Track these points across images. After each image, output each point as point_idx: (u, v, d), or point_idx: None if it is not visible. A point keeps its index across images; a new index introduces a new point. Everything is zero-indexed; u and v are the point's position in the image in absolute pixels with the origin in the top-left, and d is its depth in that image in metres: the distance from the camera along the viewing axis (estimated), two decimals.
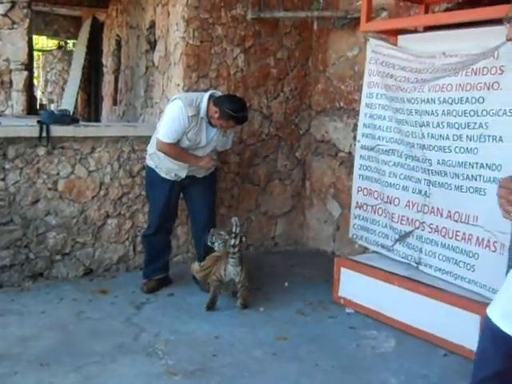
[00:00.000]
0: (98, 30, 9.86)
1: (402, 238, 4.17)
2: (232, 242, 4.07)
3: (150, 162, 4.41)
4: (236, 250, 4.09)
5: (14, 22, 5.81)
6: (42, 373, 3.12)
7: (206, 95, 4.18)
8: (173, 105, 4.17)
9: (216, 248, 4.20)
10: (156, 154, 4.31)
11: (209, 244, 4.22)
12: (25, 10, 5.84)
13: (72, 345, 3.49)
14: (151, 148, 4.39)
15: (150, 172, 4.42)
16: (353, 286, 4.27)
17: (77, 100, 10.27)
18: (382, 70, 4.31)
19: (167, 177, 4.35)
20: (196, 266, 4.39)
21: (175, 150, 4.18)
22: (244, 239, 4.22)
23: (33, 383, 3.01)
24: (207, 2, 5.11)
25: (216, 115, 4.10)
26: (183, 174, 4.32)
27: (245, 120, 4.30)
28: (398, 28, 4.33)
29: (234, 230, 4.08)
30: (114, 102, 8.54)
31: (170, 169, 4.31)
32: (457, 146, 3.75)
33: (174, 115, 4.10)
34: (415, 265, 4.07)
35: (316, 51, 5.80)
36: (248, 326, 3.87)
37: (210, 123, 4.20)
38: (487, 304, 3.51)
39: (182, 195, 4.55)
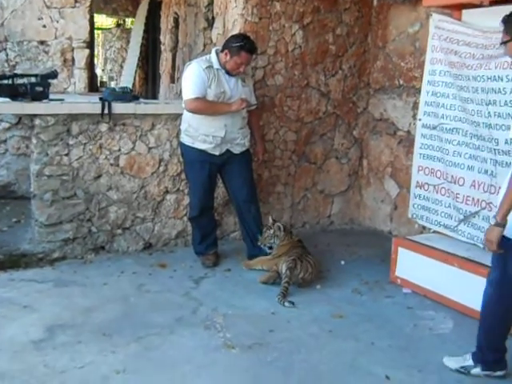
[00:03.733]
0: (155, 7, 9.95)
1: (467, 218, 4.09)
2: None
3: (186, 140, 4.44)
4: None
5: (76, 1, 5.91)
6: (105, 342, 3.23)
7: (213, 50, 4.41)
8: (187, 68, 4.37)
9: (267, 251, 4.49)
10: (190, 126, 4.37)
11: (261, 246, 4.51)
12: None
13: (133, 316, 3.59)
14: (184, 123, 4.45)
15: (188, 151, 4.45)
16: (410, 266, 4.22)
17: (135, 78, 10.43)
18: (446, 46, 4.20)
19: (206, 147, 4.34)
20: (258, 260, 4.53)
21: (204, 103, 4.25)
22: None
23: (95, 352, 3.12)
24: None
25: (227, 57, 4.25)
26: (222, 133, 4.31)
27: (255, 47, 4.36)
28: (462, 2, 4.17)
29: (277, 234, 4.43)
30: (172, 80, 8.63)
31: (207, 133, 4.32)
32: None
33: (191, 73, 4.28)
34: (482, 246, 3.99)
35: (375, 27, 5.69)
36: (304, 303, 3.89)
37: (228, 74, 4.32)
38: None
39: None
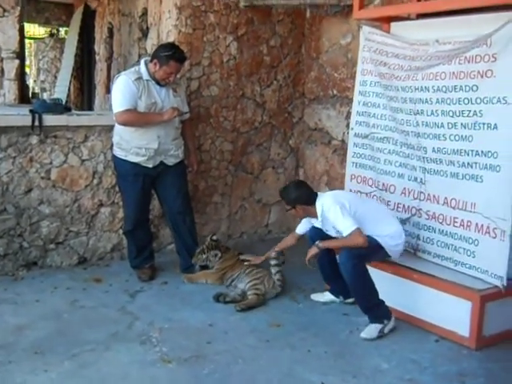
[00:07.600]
0: (90, 17, 9.78)
1: None
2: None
3: (118, 153, 4.37)
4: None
5: (4, 10, 5.77)
6: (37, 361, 3.14)
7: (142, 61, 4.36)
8: (116, 81, 4.30)
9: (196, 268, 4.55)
10: (122, 139, 4.31)
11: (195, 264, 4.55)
12: None
13: (66, 333, 3.50)
14: (116, 136, 4.39)
15: (121, 164, 4.38)
16: None
17: (69, 88, 10.21)
18: (376, 58, 4.31)
19: (139, 159, 4.28)
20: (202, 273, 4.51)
21: (135, 114, 4.20)
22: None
23: (27, 371, 3.03)
24: None
25: (156, 67, 4.20)
26: (155, 145, 4.26)
27: (184, 56, 4.32)
28: (391, 15, 4.32)
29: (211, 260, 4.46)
30: (107, 90, 8.49)
31: (140, 146, 4.26)
32: (451, 134, 3.77)
33: (120, 85, 4.22)
34: (412, 251, 4.09)
35: (309, 39, 5.78)
36: (241, 314, 3.89)
37: (158, 84, 4.27)
38: (479, 290, 3.57)
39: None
